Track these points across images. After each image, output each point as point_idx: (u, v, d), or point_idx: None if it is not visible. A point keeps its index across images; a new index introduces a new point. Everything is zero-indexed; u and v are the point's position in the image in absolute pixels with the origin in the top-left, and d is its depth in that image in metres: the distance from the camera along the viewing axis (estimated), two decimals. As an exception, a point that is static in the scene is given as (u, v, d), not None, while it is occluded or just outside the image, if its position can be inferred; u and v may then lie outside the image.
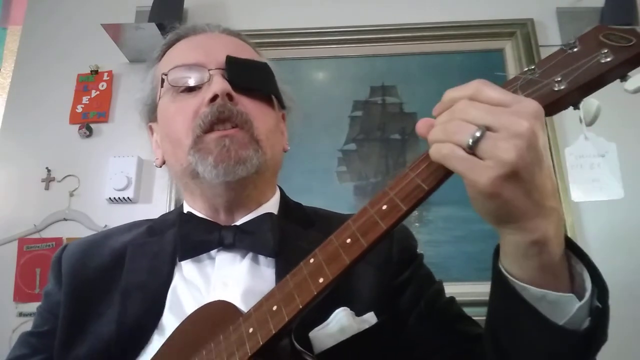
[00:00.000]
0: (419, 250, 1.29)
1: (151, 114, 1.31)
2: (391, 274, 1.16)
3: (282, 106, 1.32)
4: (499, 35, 3.13)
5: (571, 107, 0.75)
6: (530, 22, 3.10)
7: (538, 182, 0.72)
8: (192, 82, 1.18)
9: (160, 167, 1.30)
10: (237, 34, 1.34)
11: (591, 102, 0.73)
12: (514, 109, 0.70)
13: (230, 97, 1.14)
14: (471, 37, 3.14)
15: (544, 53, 2.92)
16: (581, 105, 0.74)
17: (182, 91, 1.19)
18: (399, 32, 3.16)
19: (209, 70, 1.17)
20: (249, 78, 1.20)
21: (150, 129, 1.34)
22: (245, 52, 1.27)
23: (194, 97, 1.17)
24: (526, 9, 3.14)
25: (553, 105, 0.73)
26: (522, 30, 3.09)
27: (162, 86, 1.23)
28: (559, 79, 0.73)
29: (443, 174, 0.76)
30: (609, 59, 0.71)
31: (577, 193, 0.94)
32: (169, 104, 1.21)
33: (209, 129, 1.12)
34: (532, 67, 0.78)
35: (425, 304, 1.14)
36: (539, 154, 0.70)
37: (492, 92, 0.73)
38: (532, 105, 0.70)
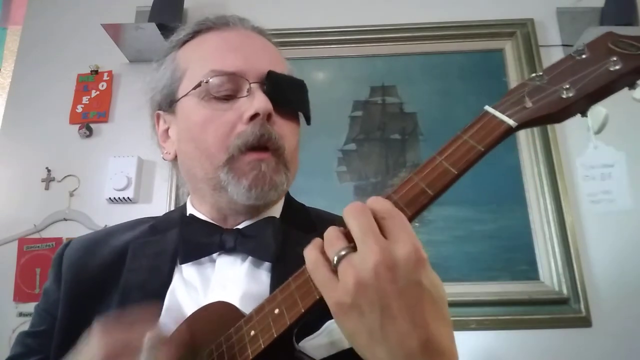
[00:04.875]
0: None
1: (165, 104, 1.23)
2: None
3: (308, 123, 1.26)
4: (499, 35, 3.14)
5: (579, 115, 0.75)
6: (530, 22, 3.11)
7: (389, 332, 0.70)
8: (228, 92, 1.12)
9: (169, 160, 1.25)
10: (266, 34, 1.28)
11: (599, 110, 0.73)
12: (383, 241, 0.71)
13: (269, 116, 1.10)
14: (471, 37, 3.15)
15: (544, 53, 2.94)
16: (589, 113, 0.74)
17: (215, 96, 1.13)
18: (399, 32, 3.17)
19: (250, 83, 1.12)
20: (288, 97, 1.17)
21: (158, 117, 1.27)
22: (279, 59, 1.23)
23: (230, 108, 1.12)
24: (526, 9, 3.14)
25: (561, 113, 0.73)
26: (522, 30, 3.10)
27: (194, 88, 1.14)
28: (567, 86, 0.72)
29: (449, 179, 0.75)
30: (617, 67, 0.71)
31: (591, 206, 0.94)
32: (199, 108, 1.14)
33: (247, 150, 1.09)
34: (540, 73, 0.78)
35: None
36: (386, 299, 0.70)
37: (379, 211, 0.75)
38: (401, 249, 0.71)
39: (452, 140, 0.78)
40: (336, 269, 0.73)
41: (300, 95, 1.22)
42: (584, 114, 0.74)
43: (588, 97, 0.72)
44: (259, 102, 1.09)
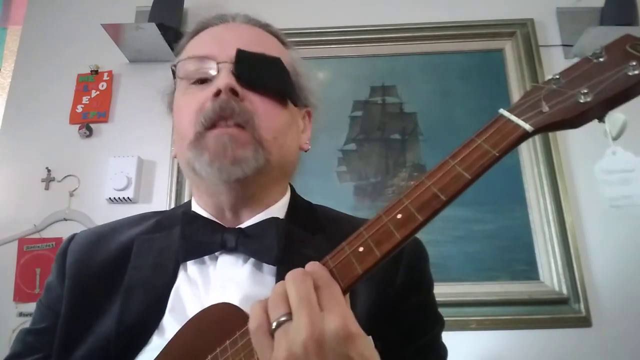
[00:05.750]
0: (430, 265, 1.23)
1: (172, 104, 1.26)
2: (392, 296, 1.11)
3: (295, 103, 1.23)
4: (499, 35, 3.14)
5: (596, 120, 0.74)
6: (530, 22, 3.11)
7: None
8: (199, 75, 1.14)
9: (174, 158, 1.27)
10: (262, 25, 1.28)
11: (617, 116, 0.72)
12: (317, 314, 0.74)
13: (234, 92, 1.09)
14: (471, 37, 3.15)
15: (544, 53, 2.94)
16: (607, 119, 0.72)
17: (194, 83, 1.15)
18: (399, 32, 3.17)
19: (218, 63, 1.13)
20: (258, 74, 1.14)
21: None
22: (263, 44, 1.21)
23: (203, 91, 1.12)
24: (526, 9, 3.14)
25: (578, 118, 0.72)
26: (522, 30, 3.10)
27: (174, 77, 1.20)
28: (585, 90, 0.71)
29: (463, 183, 0.74)
30: (637, 72, 0.69)
31: (613, 211, 0.93)
32: (180, 96, 1.18)
33: (211, 125, 1.09)
34: (557, 76, 0.77)
35: (409, 355, 1.10)
36: None
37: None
38: (330, 324, 0.73)
39: (466, 143, 0.77)
40: (273, 334, 0.76)
41: (274, 72, 1.19)
42: (601, 119, 0.73)
43: (606, 102, 0.71)
44: (221, 78, 1.10)
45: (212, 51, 1.15)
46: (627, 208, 0.86)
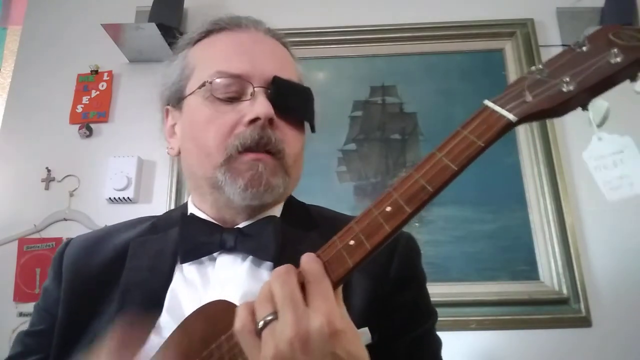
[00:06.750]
0: (422, 257, 1.25)
1: (173, 100, 1.25)
2: (386, 290, 1.13)
3: (313, 129, 1.25)
4: (499, 35, 3.14)
5: (579, 108, 0.74)
6: (530, 22, 3.11)
7: None
8: (231, 93, 1.13)
9: (173, 156, 1.27)
10: (279, 37, 1.29)
11: (600, 103, 0.72)
12: (301, 312, 0.75)
13: (271, 121, 1.11)
14: (471, 37, 3.14)
15: (544, 53, 2.93)
16: (590, 107, 0.73)
17: (219, 97, 1.14)
18: (399, 32, 3.17)
19: (254, 87, 1.13)
20: (292, 103, 1.17)
21: (167, 112, 1.29)
22: (290, 67, 1.24)
23: (232, 110, 1.12)
24: (526, 9, 3.14)
25: (561, 107, 0.72)
26: (522, 30, 3.10)
27: (200, 87, 1.16)
28: (568, 79, 0.71)
29: (449, 175, 0.75)
30: (618, 59, 0.69)
31: (611, 193, 0.93)
32: (202, 107, 1.15)
33: (245, 150, 1.10)
34: (540, 66, 0.77)
35: (403, 346, 1.12)
36: None
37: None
38: (314, 322, 0.74)
39: (452, 135, 0.78)
40: (260, 333, 0.77)
41: (305, 102, 1.22)
42: (585, 107, 0.73)
43: (589, 90, 0.71)
44: (261, 106, 1.10)
45: (247, 70, 1.15)
46: (627, 187, 0.86)
